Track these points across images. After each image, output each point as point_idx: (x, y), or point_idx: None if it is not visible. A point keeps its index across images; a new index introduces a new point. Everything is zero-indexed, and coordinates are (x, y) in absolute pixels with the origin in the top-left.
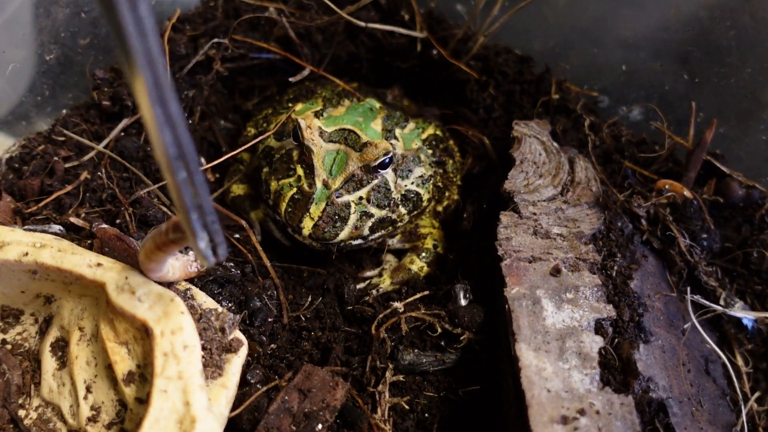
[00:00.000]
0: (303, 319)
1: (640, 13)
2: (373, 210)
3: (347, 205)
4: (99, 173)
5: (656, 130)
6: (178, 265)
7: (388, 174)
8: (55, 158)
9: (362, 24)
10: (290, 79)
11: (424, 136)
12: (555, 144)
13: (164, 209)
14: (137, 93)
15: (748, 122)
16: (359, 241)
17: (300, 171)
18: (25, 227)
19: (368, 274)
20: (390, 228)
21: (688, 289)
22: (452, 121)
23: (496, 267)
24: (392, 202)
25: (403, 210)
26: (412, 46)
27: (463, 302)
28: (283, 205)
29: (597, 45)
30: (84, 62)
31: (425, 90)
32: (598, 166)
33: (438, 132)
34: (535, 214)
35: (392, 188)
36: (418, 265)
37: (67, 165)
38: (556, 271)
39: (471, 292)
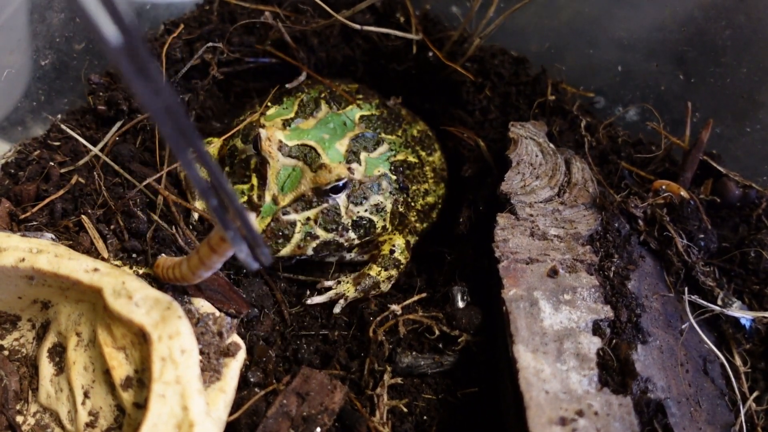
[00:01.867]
0: (301, 322)
1: (635, 14)
2: (319, 232)
3: (293, 224)
4: (92, 178)
5: (652, 130)
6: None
7: (340, 199)
8: (51, 163)
9: (357, 27)
10: (287, 86)
11: (393, 159)
12: (551, 145)
13: (154, 216)
14: (161, 131)
15: (744, 122)
16: (305, 257)
17: (254, 180)
18: (19, 233)
19: (327, 284)
20: (337, 250)
21: (686, 289)
22: (448, 123)
23: (494, 269)
24: (341, 226)
25: (352, 235)
26: (407, 49)
27: (460, 304)
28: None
29: (592, 46)
30: (79, 67)
31: (421, 92)
32: (594, 167)
33: (411, 158)
34: (532, 215)
35: (342, 213)
36: (375, 270)
37: (62, 170)
38: (553, 273)
39: (469, 294)
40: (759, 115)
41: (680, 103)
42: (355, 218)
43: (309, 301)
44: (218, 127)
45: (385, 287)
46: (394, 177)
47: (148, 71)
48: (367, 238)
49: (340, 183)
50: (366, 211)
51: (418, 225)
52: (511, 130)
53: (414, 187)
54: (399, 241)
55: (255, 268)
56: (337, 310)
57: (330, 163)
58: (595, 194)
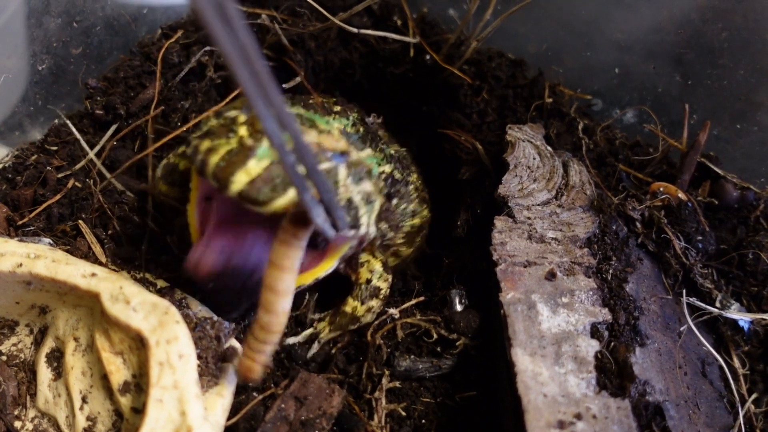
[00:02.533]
0: (298, 325)
1: (632, 16)
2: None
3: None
4: (89, 182)
5: (650, 132)
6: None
7: (342, 167)
8: (48, 168)
9: (354, 30)
10: (284, 86)
11: (378, 169)
12: (549, 148)
13: (150, 223)
14: (245, 91)
15: (742, 124)
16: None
17: (244, 132)
18: (17, 239)
19: (298, 337)
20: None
21: (684, 291)
22: (445, 126)
23: (491, 272)
24: (336, 191)
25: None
26: (405, 52)
27: (458, 308)
28: (215, 158)
29: (590, 48)
30: (76, 72)
31: (418, 95)
32: (592, 170)
33: (396, 173)
34: (529, 218)
35: (340, 180)
36: (351, 305)
37: (60, 175)
38: (551, 276)
39: (466, 298)
40: (756, 117)
41: (678, 105)
42: (348, 196)
43: (288, 342)
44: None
45: (368, 319)
46: (382, 183)
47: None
48: (352, 230)
49: (344, 156)
50: (358, 194)
51: (403, 249)
52: (508, 132)
53: (402, 206)
54: (376, 266)
55: (332, 235)
56: (310, 354)
57: (333, 132)
58: (593, 197)
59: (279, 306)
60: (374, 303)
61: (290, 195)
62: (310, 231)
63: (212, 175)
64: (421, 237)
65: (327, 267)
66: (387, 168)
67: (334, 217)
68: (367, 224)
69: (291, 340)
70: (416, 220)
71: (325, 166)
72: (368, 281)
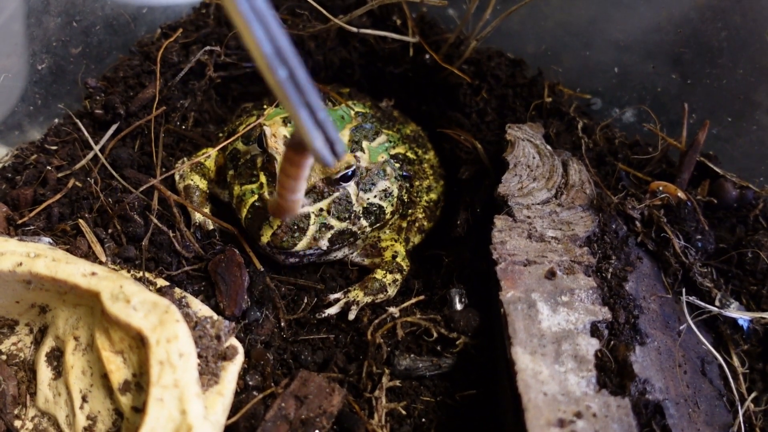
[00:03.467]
0: (299, 325)
1: (631, 15)
2: (333, 222)
3: (307, 216)
4: (89, 182)
5: (649, 131)
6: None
7: (350, 187)
8: (48, 167)
9: (354, 30)
10: None
11: (393, 152)
12: (548, 147)
13: (153, 219)
14: None
15: (741, 123)
16: (320, 251)
17: (263, 178)
18: (16, 238)
19: (334, 296)
20: (351, 239)
21: (684, 290)
22: (445, 125)
23: (491, 271)
24: (353, 214)
25: (364, 222)
26: (404, 51)
27: (458, 306)
28: (244, 211)
29: (589, 47)
30: (76, 71)
31: (418, 95)
32: (591, 169)
33: (409, 154)
34: (529, 217)
35: (354, 201)
36: (380, 273)
37: (59, 174)
38: (551, 274)
39: (466, 297)
40: (755, 116)
41: (677, 104)
42: (365, 205)
43: (321, 315)
44: (216, 131)
45: (391, 291)
46: (397, 165)
47: None
48: (378, 225)
49: (349, 171)
50: (375, 197)
51: (426, 223)
52: (508, 132)
53: (417, 183)
54: (400, 249)
55: (331, 161)
56: (351, 316)
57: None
58: (593, 196)
59: (288, 195)
60: (398, 276)
61: (309, 236)
62: (309, 156)
63: (244, 226)
64: (440, 210)
65: None
66: (401, 149)
67: (333, 141)
68: (391, 211)
69: (331, 311)
70: (433, 195)
71: (336, 195)
72: (394, 257)
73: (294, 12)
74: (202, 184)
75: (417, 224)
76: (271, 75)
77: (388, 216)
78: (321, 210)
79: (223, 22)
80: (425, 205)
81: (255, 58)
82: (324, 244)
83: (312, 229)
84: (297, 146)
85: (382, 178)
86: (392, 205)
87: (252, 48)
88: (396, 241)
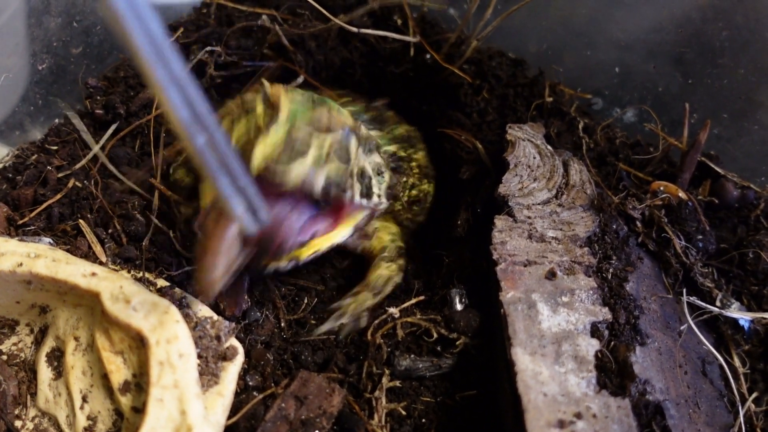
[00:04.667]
0: (299, 325)
1: (632, 15)
2: (332, 160)
3: (307, 143)
4: (89, 182)
5: (650, 131)
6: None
7: (353, 138)
8: (49, 167)
9: (355, 30)
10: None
11: (383, 148)
12: (549, 147)
13: (153, 219)
14: (135, 59)
15: (742, 123)
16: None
17: (263, 120)
18: (17, 238)
19: (339, 304)
20: (342, 193)
21: (684, 290)
22: (446, 125)
23: (492, 271)
24: (350, 164)
25: (357, 184)
26: (405, 51)
27: (458, 307)
28: (238, 133)
29: (590, 47)
30: (76, 71)
31: (419, 94)
32: (592, 169)
33: (401, 153)
34: (529, 217)
35: (352, 153)
36: (383, 266)
37: (60, 174)
38: (551, 275)
39: (467, 297)
40: (757, 116)
41: (678, 104)
42: (360, 167)
43: (339, 323)
44: None
45: (398, 279)
46: (389, 155)
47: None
48: (365, 199)
49: (352, 133)
50: (370, 164)
51: (405, 216)
52: (508, 132)
53: (404, 179)
54: (393, 227)
55: (253, 229)
56: (363, 323)
57: (344, 112)
58: (593, 196)
59: (207, 265)
60: (402, 261)
61: (309, 160)
62: (230, 225)
63: (238, 148)
64: (421, 209)
65: (342, 233)
66: (392, 148)
67: (255, 208)
68: (378, 194)
69: (342, 321)
70: (414, 192)
71: (337, 135)
72: (392, 240)
73: (295, 12)
74: (188, 179)
75: (400, 219)
76: (190, 141)
77: (374, 198)
78: (322, 144)
79: (224, 21)
80: (405, 200)
81: (172, 123)
82: (318, 185)
83: (312, 156)
84: (217, 215)
85: (378, 154)
86: (379, 189)
87: (169, 114)
88: (388, 221)
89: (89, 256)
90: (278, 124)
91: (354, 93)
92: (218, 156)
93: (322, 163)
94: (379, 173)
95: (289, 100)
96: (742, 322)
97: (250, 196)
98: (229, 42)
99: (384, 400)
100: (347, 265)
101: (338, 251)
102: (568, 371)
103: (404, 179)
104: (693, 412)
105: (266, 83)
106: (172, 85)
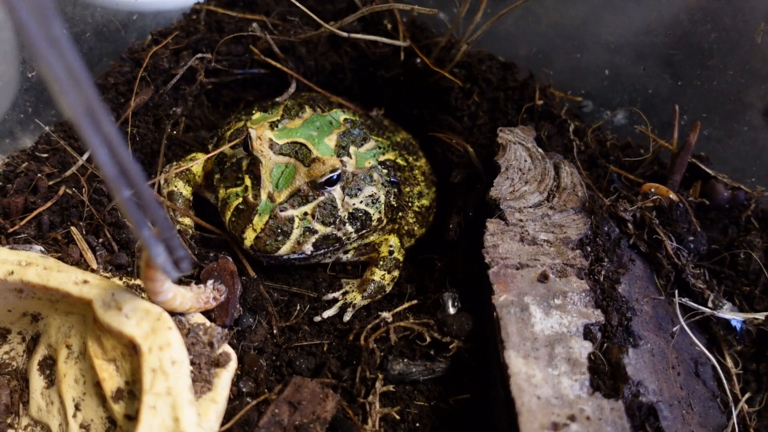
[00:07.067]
0: (292, 331)
1: (622, 17)
2: (317, 226)
3: (290, 220)
4: (80, 189)
5: (641, 133)
6: (189, 295)
7: (336, 191)
8: (39, 175)
9: (345, 35)
10: (277, 99)
11: (382, 158)
12: (540, 150)
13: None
14: (68, 114)
15: (732, 124)
16: (304, 256)
17: (247, 181)
18: (8, 246)
19: (332, 296)
20: (336, 245)
21: (676, 291)
22: (437, 129)
23: (484, 275)
24: (338, 219)
25: (350, 228)
26: (395, 55)
27: (451, 311)
28: (228, 214)
29: (580, 50)
30: None
31: (409, 99)
32: (583, 171)
33: (399, 160)
34: (521, 220)
35: (339, 206)
36: (378, 274)
37: (50, 182)
38: (543, 278)
39: (459, 301)
40: (746, 117)
41: (668, 105)
42: (351, 210)
43: (319, 318)
44: (207, 137)
45: (389, 289)
46: (384, 171)
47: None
48: (364, 231)
49: (335, 175)
50: (361, 202)
51: (416, 228)
52: (499, 135)
53: (407, 189)
54: (394, 241)
55: (174, 276)
56: (346, 318)
57: (322, 156)
58: (585, 198)
59: (150, 285)
60: (396, 273)
61: (292, 240)
62: (159, 274)
63: (228, 228)
64: (432, 216)
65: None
66: (391, 155)
67: (177, 258)
68: (378, 218)
69: (327, 314)
70: (425, 201)
71: (321, 199)
72: (390, 252)
73: (285, 18)
74: (186, 190)
75: (407, 228)
76: (115, 194)
77: (374, 222)
78: (305, 214)
79: (214, 28)
80: (417, 211)
81: (102, 177)
82: (308, 248)
83: (295, 233)
84: (147, 261)
85: (369, 183)
86: (379, 212)
87: (98, 168)
88: (389, 235)
89: (81, 263)
90: (261, 210)
91: (345, 98)
92: (142, 208)
93: (308, 235)
94: (375, 201)
95: (269, 161)
96: (734, 323)
97: (174, 246)
98: (220, 49)
99: (378, 405)
100: (344, 262)
101: (339, 267)
102: (561, 374)
103: (408, 189)
104: (686, 413)
105: (252, 133)
106: (101, 143)
